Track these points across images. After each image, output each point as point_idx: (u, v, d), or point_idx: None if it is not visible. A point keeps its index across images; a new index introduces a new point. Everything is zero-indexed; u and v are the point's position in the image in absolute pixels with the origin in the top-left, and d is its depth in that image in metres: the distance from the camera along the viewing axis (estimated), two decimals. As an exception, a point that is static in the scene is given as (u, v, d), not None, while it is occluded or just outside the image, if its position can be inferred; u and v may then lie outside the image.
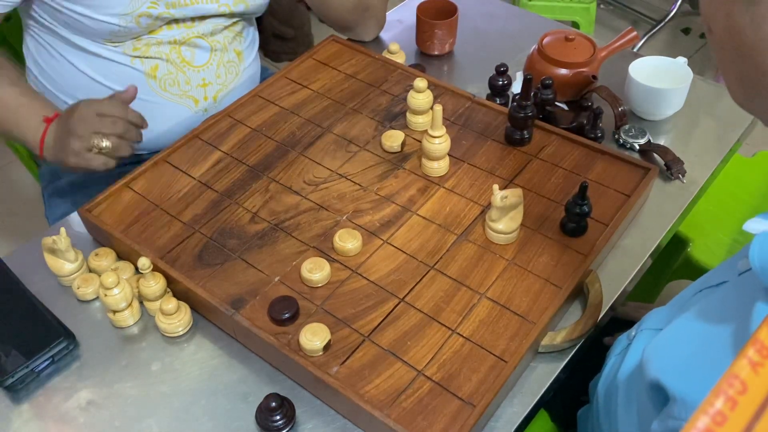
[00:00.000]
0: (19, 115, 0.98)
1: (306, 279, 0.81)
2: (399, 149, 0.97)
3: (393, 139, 0.97)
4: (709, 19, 0.46)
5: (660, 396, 0.58)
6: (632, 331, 0.76)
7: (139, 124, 0.97)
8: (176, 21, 1.06)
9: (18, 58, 1.24)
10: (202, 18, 1.09)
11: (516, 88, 1.09)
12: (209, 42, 1.11)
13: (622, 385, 0.70)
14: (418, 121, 1.00)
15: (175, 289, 0.84)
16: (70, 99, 1.12)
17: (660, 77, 1.06)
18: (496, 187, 0.82)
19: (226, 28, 1.13)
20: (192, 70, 1.11)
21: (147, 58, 1.07)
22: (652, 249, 0.91)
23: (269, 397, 0.71)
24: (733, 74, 0.48)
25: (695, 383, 0.52)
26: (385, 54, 1.16)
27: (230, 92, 1.17)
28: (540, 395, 0.76)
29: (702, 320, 0.56)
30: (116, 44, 1.05)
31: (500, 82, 1.05)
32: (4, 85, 0.99)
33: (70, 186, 1.15)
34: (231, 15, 1.12)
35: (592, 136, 1.00)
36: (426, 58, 1.21)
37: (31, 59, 1.14)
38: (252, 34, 1.22)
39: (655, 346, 0.60)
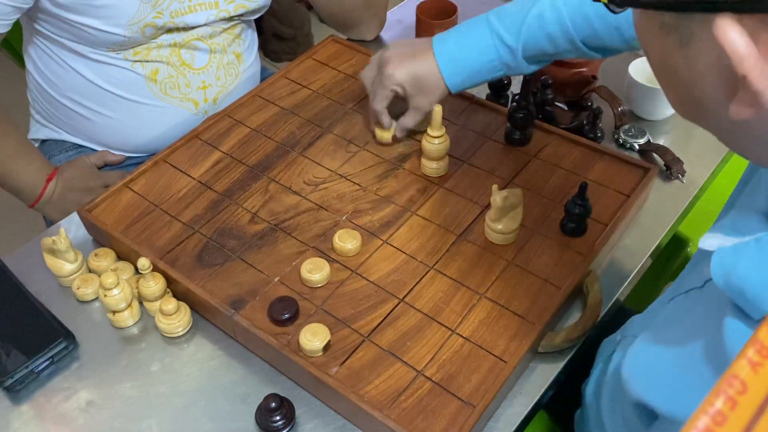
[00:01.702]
0: (17, 165, 1.07)
1: (306, 279, 0.81)
2: (390, 141, 0.98)
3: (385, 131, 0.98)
4: (644, 45, 0.47)
5: (646, 411, 0.57)
6: (617, 336, 0.75)
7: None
8: (177, 27, 1.06)
9: (18, 58, 1.24)
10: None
11: (516, 88, 1.09)
12: (208, 44, 1.11)
13: (606, 392, 0.70)
14: (417, 122, 1.00)
15: (174, 289, 0.84)
16: (70, 102, 1.12)
17: (660, 77, 1.05)
18: (495, 187, 0.82)
19: (225, 30, 1.13)
20: (192, 73, 1.11)
21: (147, 62, 1.07)
22: (652, 249, 0.91)
23: (269, 398, 0.71)
24: (672, 96, 0.49)
25: (682, 403, 0.51)
26: (385, 54, 1.16)
27: (230, 94, 1.17)
28: (539, 395, 0.76)
29: (676, 336, 0.55)
30: (118, 51, 1.05)
31: (500, 82, 1.05)
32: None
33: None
34: (230, 18, 1.12)
35: (592, 136, 1.00)
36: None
37: (32, 63, 1.13)
38: (251, 36, 1.22)
39: (633, 366, 0.59)
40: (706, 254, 0.48)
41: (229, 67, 1.16)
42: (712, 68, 0.40)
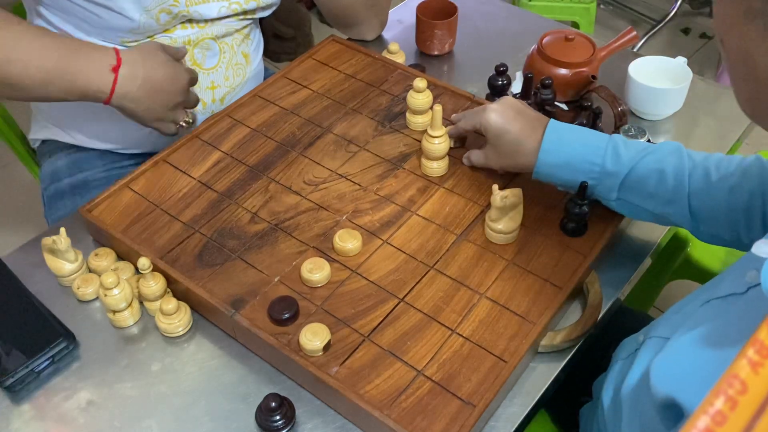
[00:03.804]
0: (72, 62, 0.88)
1: (306, 279, 0.81)
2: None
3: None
4: (722, 33, 0.45)
5: (672, 414, 0.57)
6: (640, 336, 0.75)
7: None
8: (191, 21, 1.06)
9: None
10: (216, 19, 1.08)
11: (516, 88, 1.09)
12: (219, 44, 1.11)
13: (627, 394, 0.69)
14: (417, 121, 1.00)
15: (175, 289, 0.84)
16: (71, 104, 1.11)
17: (660, 77, 1.06)
18: (495, 187, 0.82)
19: (237, 30, 1.13)
20: (202, 73, 1.11)
21: None
22: (652, 249, 0.91)
23: (269, 398, 0.71)
24: (743, 89, 0.47)
25: None
26: (385, 54, 1.16)
27: (236, 94, 1.17)
28: (540, 395, 0.76)
29: (715, 339, 0.54)
30: (131, 43, 1.04)
31: (500, 82, 1.05)
32: (37, 35, 0.88)
33: (71, 187, 1.15)
34: (244, 12, 1.11)
35: (592, 136, 1.00)
36: (426, 58, 1.21)
37: None
38: (258, 36, 1.22)
39: (666, 365, 0.59)
40: (752, 260, 0.47)
41: (237, 68, 1.15)
42: None
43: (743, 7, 0.41)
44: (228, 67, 1.14)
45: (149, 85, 0.93)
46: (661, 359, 0.60)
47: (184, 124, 1.01)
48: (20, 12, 1.03)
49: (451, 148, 0.93)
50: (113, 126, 1.14)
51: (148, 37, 1.04)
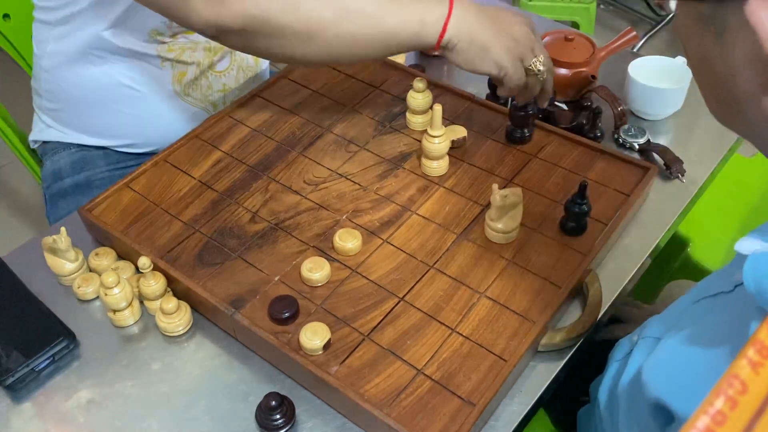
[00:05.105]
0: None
1: (306, 278, 0.81)
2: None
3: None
4: (684, 44, 0.47)
5: (663, 415, 0.57)
6: (634, 336, 0.75)
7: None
8: None
9: (20, 60, 1.24)
10: None
11: (516, 87, 1.09)
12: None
13: (623, 396, 0.69)
14: (417, 121, 1.00)
15: (175, 288, 0.84)
16: (86, 99, 1.10)
17: (659, 77, 1.06)
18: (495, 186, 0.82)
19: None
20: (215, 76, 1.12)
21: (179, 62, 1.07)
22: (652, 248, 0.91)
23: (269, 396, 0.71)
24: (710, 96, 0.49)
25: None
26: (385, 54, 1.16)
27: (241, 95, 1.18)
28: (539, 394, 0.76)
29: (702, 338, 0.55)
30: (151, 42, 1.04)
31: (500, 82, 1.05)
32: None
33: (73, 186, 1.15)
34: None
35: (592, 135, 1.00)
36: (426, 58, 1.21)
37: (51, 61, 1.10)
38: None
39: (656, 365, 0.59)
40: (740, 260, 0.48)
41: (248, 70, 1.16)
42: (746, 59, 0.40)
43: (695, 14, 0.42)
44: (239, 70, 1.14)
45: (487, 16, 0.85)
46: (652, 360, 0.60)
47: (535, 69, 0.89)
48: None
49: (451, 148, 0.93)
50: (118, 121, 1.14)
51: (172, 36, 1.04)
